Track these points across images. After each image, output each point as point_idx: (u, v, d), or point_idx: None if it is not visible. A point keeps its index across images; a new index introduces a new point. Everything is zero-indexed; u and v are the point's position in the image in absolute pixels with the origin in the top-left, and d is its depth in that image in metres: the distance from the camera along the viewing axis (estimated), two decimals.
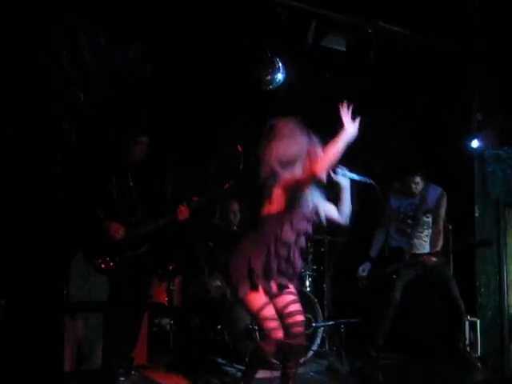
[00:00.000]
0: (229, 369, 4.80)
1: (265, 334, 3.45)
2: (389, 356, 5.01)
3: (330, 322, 5.15)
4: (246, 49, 5.28)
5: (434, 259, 4.82)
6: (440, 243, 4.95)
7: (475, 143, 4.99)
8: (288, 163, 3.42)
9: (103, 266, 4.20)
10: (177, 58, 5.18)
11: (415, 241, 4.94)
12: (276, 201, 3.45)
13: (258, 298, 3.42)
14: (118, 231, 4.23)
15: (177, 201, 4.41)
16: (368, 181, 3.64)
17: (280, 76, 5.34)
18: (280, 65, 5.31)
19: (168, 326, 5.36)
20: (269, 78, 5.36)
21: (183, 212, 4.36)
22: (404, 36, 4.97)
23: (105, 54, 4.68)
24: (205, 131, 5.85)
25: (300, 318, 3.53)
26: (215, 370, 4.79)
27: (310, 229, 3.55)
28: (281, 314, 3.49)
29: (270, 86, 5.37)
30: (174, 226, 4.46)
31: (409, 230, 4.96)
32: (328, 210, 3.65)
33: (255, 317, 3.49)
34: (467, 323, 5.16)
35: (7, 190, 3.80)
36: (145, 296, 4.53)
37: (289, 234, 3.44)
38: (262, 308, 3.40)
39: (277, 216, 3.43)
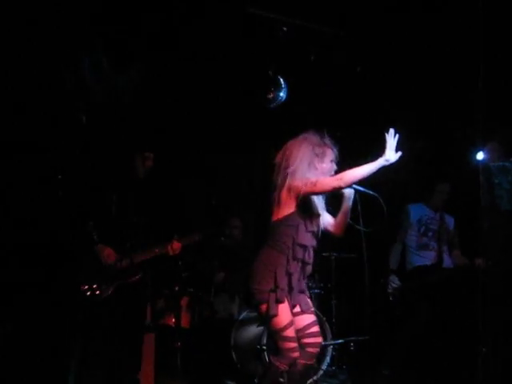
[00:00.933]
0: None
1: (281, 351, 3.39)
2: (403, 374, 4.88)
3: (340, 341, 5.08)
4: (249, 67, 5.29)
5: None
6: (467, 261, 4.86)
7: (481, 155, 4.95)
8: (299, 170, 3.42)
9: (88, 293, 4.01)
10: (179, 77, 5.19)
11: (444, 255, 4.88)
12: (285, 204, 3.43)
13: (283, 317, 3.37)
14: (110, 257, 4.07)
15: (171, 235, 4.28)
16: (372, 193, 3.56)
17: (282, 94, 5.35)
18: (282, 82, 5.31)
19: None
20: (271, 95, 5.36)
21: (175, 248, 4.26)
22: (407, 47, 4.99)
23: (107, 75, 4.69)
24: (208, 149, 5.83)
25: (319, 339, 3.54)
26: None
27: (318, 229, 3.52)
28: (300, 333, 3.47)
29: (273, 104, 5.37)
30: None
31: (433, 244, 4.91)
32: (325, 218, 3.61)
33: (277, 334, 3.40)
34: None
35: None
36: (138, 321, 4.31)
37: (304, 236, 3.43)
38: (285, 327, 3.36)
39: (290, 219, 3.41)
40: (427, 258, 4.91)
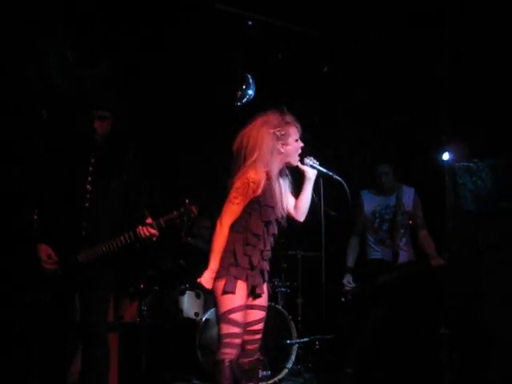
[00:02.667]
0: None
1: (221, 337, 3.20)
2: (369, 373, 4.86)
3: (305, 339, 5.09)
4: (217, 64, 5.26)
5: (442, 260, 4.51)
6: (433, 245, 4.73)
7: (446, 156, 5.01)
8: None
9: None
10: (146, 74, 5.14)
11: (400, 252, 4.74)
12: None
13: (238, 297, 3.21)
14: (48, 260, 3.36)
15: (137, 217, 3.51)
16: (335, 176, 3.41)
17: (251, 91, 5.34)
18: (251, 80, 5.30)
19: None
20: (239, 93, 5.34)
21: (150, 231, 3.47)
22: (374, 48, 5.02)
23: (71, 71, 4.62)
24: (176, 149, 5.77)
25: (259, 336, 3.39)
26: None
27: (279, 215, 3.34)
28: (245, 327, 3.32)
29: (241, 102, 5.35)
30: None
31: (389, 241, 4.76)
32: (288, 202, 3.45)
33: (222, 316, 3.21)
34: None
35: None
36: (98, 325, 3.53)
37: (257, 225, 3.28)
38: (235, 310, 3.19)
39: (243, 208, 3.29)
40: (384, 253, 4.78)
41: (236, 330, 3.21)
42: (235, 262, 3.23)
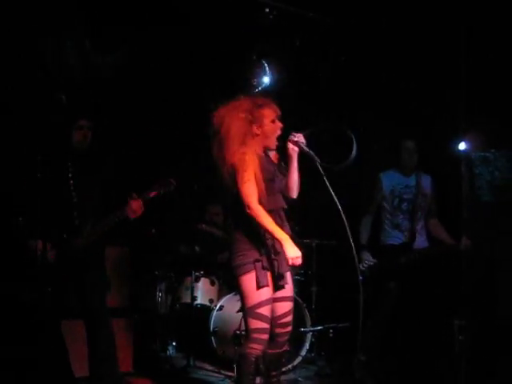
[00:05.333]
0: (216, 375, 4.73)
1: (249, 332, 3.19)
2: (382, 361, 4.85)
3: (319, 327, 5.11)
4: (233, 51, 5.24)
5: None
6: (445, 232, 4.79)
7: (462, 145, 4.97)
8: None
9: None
10: (161, 60, 5.13)
11: (417, 236, 4.73)
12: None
13: (266, 291, 3.19)
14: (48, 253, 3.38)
15: (122, 197, 3.68)
16: (315, 158, 3.31)
17: (267, 79, 5.32)
18: (267, 67, 5.29)
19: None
20: (256, 80, 5.33)
21: (135, 207, 3.63)
22: (391, 36, 4.99)
23: (89, 57, 4.64)
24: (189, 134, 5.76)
25: (289, 329, 3.40)
26: (202, 377, 4.73)
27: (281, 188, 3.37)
28: (274, 320, 3.32)
29: (257, 89, 5.34)
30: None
31: (406, 223, 4.75)
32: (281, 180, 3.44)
33: (250, 311, 3.19)
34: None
35: None
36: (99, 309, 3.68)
37: (269, 200, 3.25)
38: (262, 304, 3.18)
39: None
40: (400, 238, 4.76)
41: (264, 325, 3.19)
42: (259, 251, 3.21)
